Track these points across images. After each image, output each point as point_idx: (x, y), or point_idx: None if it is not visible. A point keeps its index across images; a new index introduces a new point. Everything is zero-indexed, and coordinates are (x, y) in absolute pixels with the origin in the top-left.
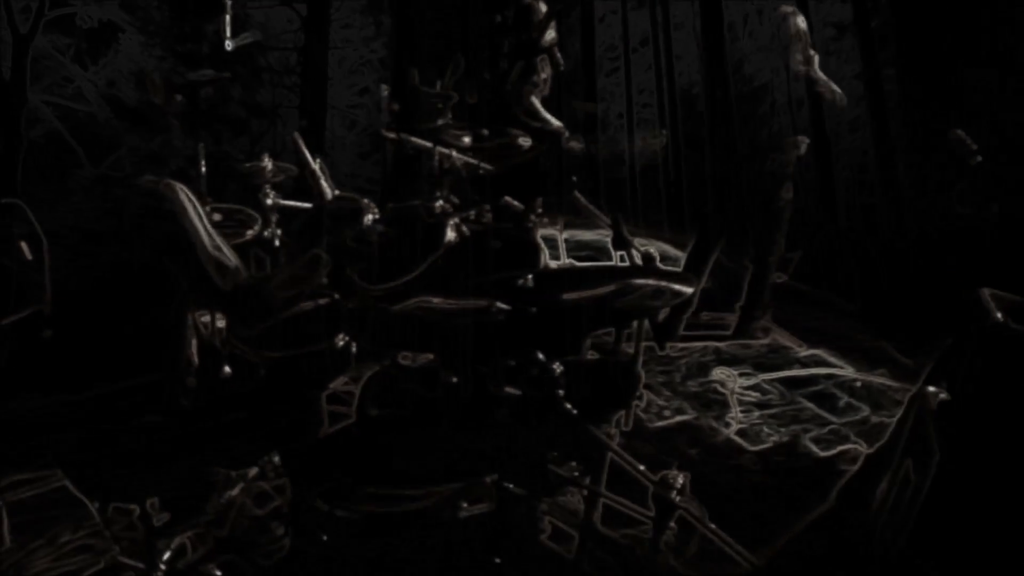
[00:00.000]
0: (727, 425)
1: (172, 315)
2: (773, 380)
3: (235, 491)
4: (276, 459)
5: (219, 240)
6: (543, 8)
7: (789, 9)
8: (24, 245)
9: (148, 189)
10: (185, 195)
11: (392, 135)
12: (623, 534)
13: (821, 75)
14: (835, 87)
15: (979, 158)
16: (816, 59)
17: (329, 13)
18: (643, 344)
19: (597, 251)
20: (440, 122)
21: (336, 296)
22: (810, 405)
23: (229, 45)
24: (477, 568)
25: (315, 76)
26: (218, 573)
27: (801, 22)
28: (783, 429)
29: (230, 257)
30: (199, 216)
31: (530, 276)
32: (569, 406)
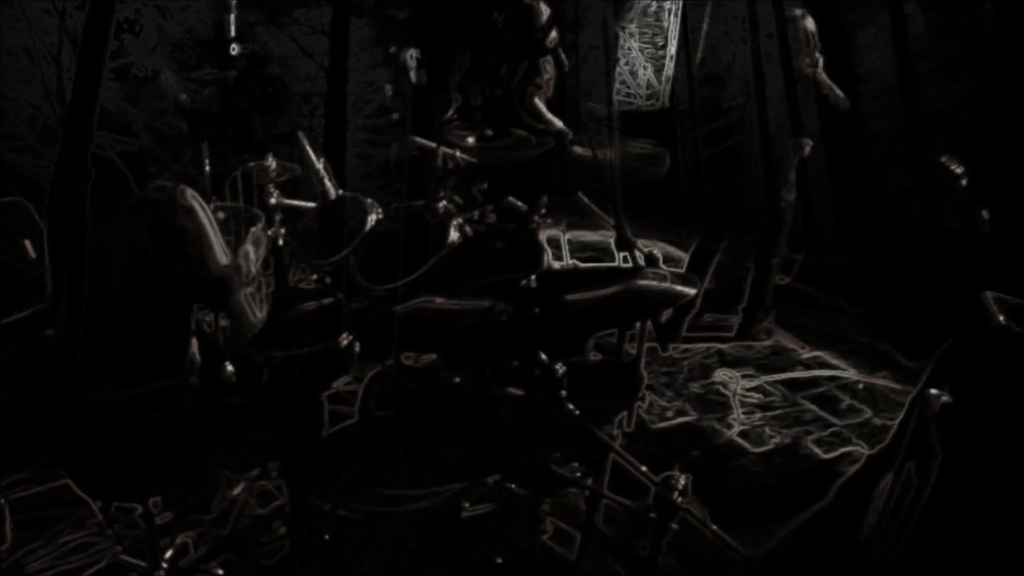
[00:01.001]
0: (729, 427)
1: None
2: (775, 382)
3: (237, 490)
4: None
5: (225, 245)
6: (544, 9)
7: (798, 12)
8: (27, 243)
9: (161, 194)
10: (196, 199)
11: (397, 136)
12: (625, 535)
13: (826, 78)
14: (838, 91)
15: (965, 181)
16: (821, 62)
17: (347, 64)
18: (646, 345)
19: (600, 252)
20: (444, 119)
21: (340, 296)
22: (812, 407)
23: (234, 49)
24: (479, 568)
25: (335, 120)
26: (220, 572)
27: (810, 24)
28: (785, 431)
29: (227, 257)
30: (208, 218)
31: (533, 277)
32: (572, 407)
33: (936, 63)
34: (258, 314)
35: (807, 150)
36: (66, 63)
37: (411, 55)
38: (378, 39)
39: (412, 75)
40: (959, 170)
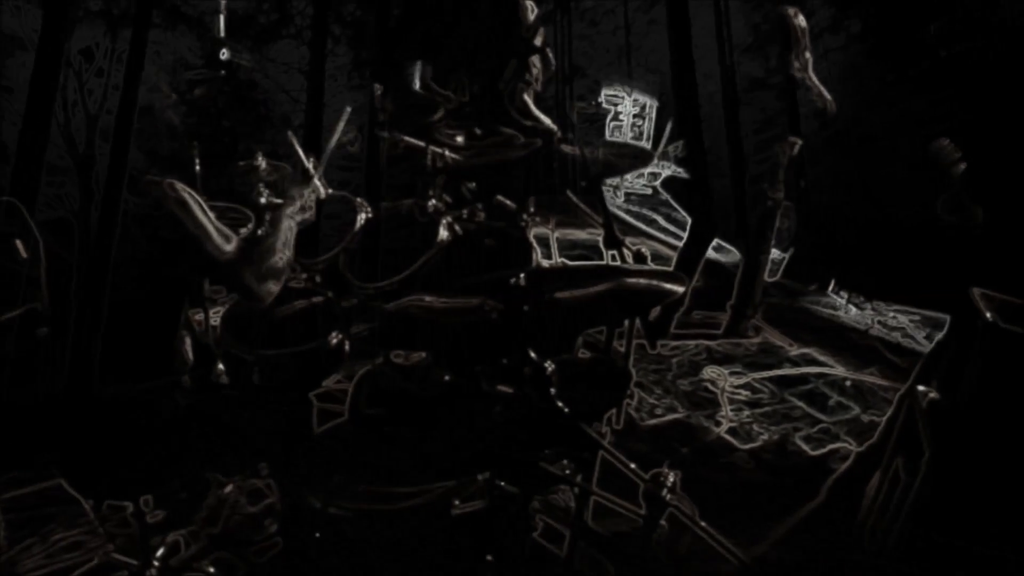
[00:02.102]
0: (718, 423)
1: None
2: (764, 379)
3: (228, 488)
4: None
5: (223, 227)
6: (532, 7)
7: (790, 10)
8: (19, 243)
9: (150, 189)
10: (186, 191)
11: (385, 134)
12: (614, 532)
13: (816, 80)
14: (827, 94)
15: (963, 166)
16: (811, 63)
17: (323, 101)
18: (635, 342)
19: (589, 250)
20: (435, 118)
21: (330, 294)
22: (801, 404)
23: (224, 54)
24: (469, 566)
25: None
26: (211, 570)
27: (802, 22)
28: (774, 427)
29: (233, 241)
30: (201, 208)
31: (523, 275)
32: (561, 404)
33: (876, 87)
34: (271, 287)
35: (796, 149)
36: (70, 96)
37: (417, 67)
38: (353, 65)
39: (415, 80)
40: (958, 154)
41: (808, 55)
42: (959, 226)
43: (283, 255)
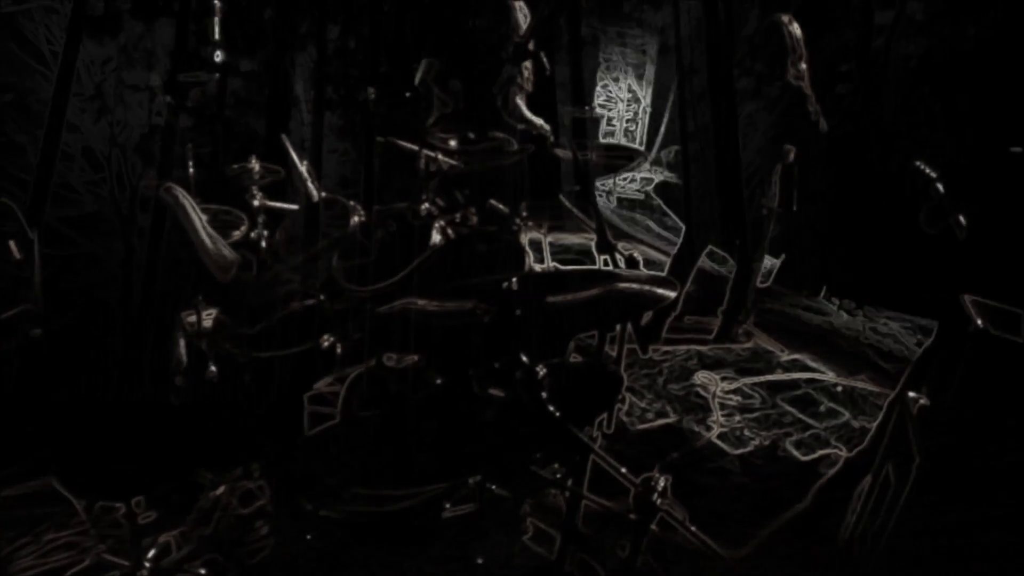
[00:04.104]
0: (709, 428)
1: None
2: (755, 384)
3: (220, 490)
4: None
5: (217, 237)
6: (525, 11)
7: (785, 18)
8: (12, 244)
9: (149, 188)
10: (183, 197)
11: (380, 138)
12: (604, 536)
13: (811, 94)
14: (819, 112)
15: (940, 187)
16: (807, 73)
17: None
18: (626, 347)
19: (581, 255)
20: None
21: (323, 297)
22: (791, 409)
23: (219, 56)
24: (460, 568)
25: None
26: (203, 571)
27: (796, 30)
28: (764, 433)
29: (228, 252)
30: (197, 216)
31: (515, 279)
32: (552, 408)
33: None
34: (270, 298)
35: (791, 156)
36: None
37: (423, 64)
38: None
39: (417, 75)
40: (934, 174)
41: (803, 65)
42: (942, 236)
43: (281, 267)
